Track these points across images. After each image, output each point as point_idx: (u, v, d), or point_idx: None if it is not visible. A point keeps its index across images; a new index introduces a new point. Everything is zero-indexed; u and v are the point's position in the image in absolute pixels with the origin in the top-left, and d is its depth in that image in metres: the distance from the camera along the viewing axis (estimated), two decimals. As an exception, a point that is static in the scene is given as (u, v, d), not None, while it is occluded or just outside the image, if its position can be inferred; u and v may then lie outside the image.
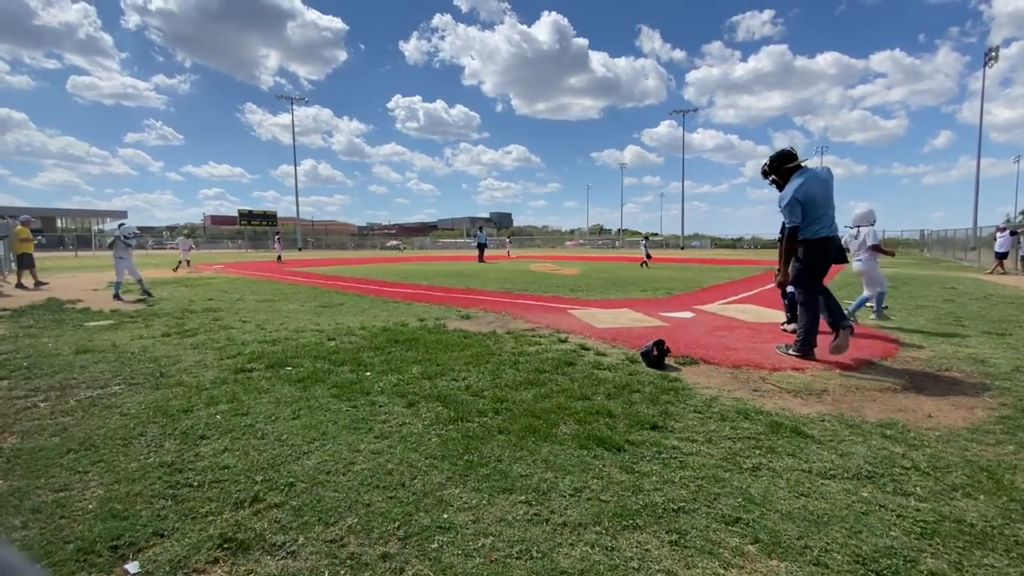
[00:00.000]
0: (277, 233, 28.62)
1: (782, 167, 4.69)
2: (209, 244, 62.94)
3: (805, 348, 4.52)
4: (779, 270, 4.86)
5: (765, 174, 4.83)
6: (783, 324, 6.42)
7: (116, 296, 9.60)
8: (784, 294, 6.45)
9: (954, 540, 1.94)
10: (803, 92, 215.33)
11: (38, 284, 11.97)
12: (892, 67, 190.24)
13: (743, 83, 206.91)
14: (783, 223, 4.71)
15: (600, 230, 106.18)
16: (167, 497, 2.27)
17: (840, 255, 4.69)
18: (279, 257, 25.12)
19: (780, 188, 4.76)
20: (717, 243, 70.17)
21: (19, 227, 12.20)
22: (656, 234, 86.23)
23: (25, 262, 12.06)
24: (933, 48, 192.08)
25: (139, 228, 11.71)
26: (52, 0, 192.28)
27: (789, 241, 4.59)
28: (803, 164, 4.65)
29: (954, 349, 5.10)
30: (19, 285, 11.72)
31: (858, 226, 6.67)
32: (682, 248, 56.21)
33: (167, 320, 7.09)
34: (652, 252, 22.53)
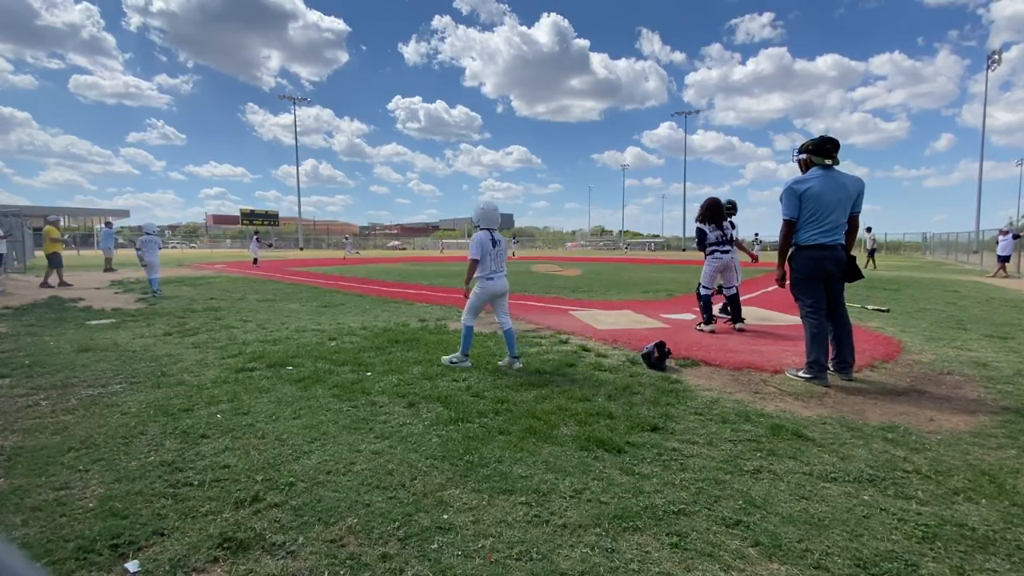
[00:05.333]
0: (256, 234, 27.21)
1: (813, 154, 4.12)
2: (211, 244, 63.21)
3: (813, 371, 4.04)
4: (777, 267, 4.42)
5: (799, 151, 4.31)
6: (697, 325, 6.41)
7: (156, 292, 9.70)
8: (698, 295, 6.40)
9: (956, 544, 1.93)
10: (803, 95, 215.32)
11: (62, 283, 11.83)
12: (892, 70, 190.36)
13: (743, 85, 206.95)
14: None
15: (601, 231, 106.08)
16: (167, 496, 2.27)
17: (850, 272, 4.13)
18: (255, 260, 22.91)
19: (803, 173, 4.27)
20: (719, 245, 69.91)
21: (48, 227, 12.21)
22: (657, 236, 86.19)
23: (55, 262, 11.97)
24: (932, 51, 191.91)
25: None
26: (55, 1, 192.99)
27: (783, 236, 4.20)
28: (831, 164, 4.08)
29: (956, 352, 5.08)
30: (45, 284, 11.72)
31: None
32: (683, 250, 56.16)
33: (168, 319, 7.10)
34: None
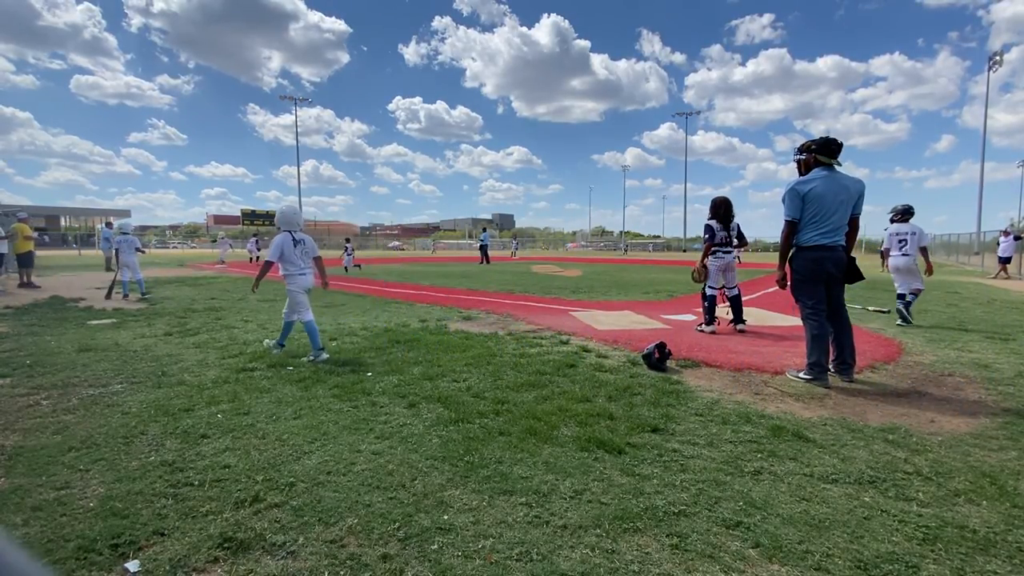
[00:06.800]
0: (255, 235, 25.79)
1: (815, 155, 4.10)
2: (211, 244, 63.33)
3: (813, 372, 4.04)
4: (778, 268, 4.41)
5: (799, 151, 4.28)
6: (698, 326, 6.42)
7: (126, 295, 9.69)
8: (704, 295, 6.43)
9: (956, 546, 1.93)
10: (804, 96, 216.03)
11: (28, 284, 11.56)
12: (892, 71, 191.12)
13: (743, 87, 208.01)
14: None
15: (602, 232, 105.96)
16: (168, 496, 2.27)
17: (851, 273, 4.13)
18: (256, 258, 22.69)
19: (801, 175, 4.26)
20: (719, 246, 69.48)
21: (20, 224, 11.94)
22: (658, 236, 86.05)
23: (26, 261, 11.69)
24: (933, 52, 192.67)
25: (138, 226, 11.55)
26: (57, 2, 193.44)
27: (784, 237, 4.19)
28: (835, 165, 4.08)
29: (957, 354, 5.08)
30: (23, 284, 11.63)
31: None
32: (684, 251, 56.13)
33: (169, 319, 7.11)
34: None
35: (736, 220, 6.53)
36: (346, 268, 17.78)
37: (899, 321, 6.78)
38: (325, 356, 4.82)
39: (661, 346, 4.51)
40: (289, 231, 4.98)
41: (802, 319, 4.25)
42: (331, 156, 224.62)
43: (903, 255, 6.97)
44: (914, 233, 6.94)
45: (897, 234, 7.05)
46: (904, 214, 7.09)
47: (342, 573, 1.77)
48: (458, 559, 1.84)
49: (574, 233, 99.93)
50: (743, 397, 3.72)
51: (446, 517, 2.11)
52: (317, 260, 5.27)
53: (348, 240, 21.28)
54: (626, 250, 61.57)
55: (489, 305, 8.70)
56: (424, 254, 46.87)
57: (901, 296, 6.93)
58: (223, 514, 2.12)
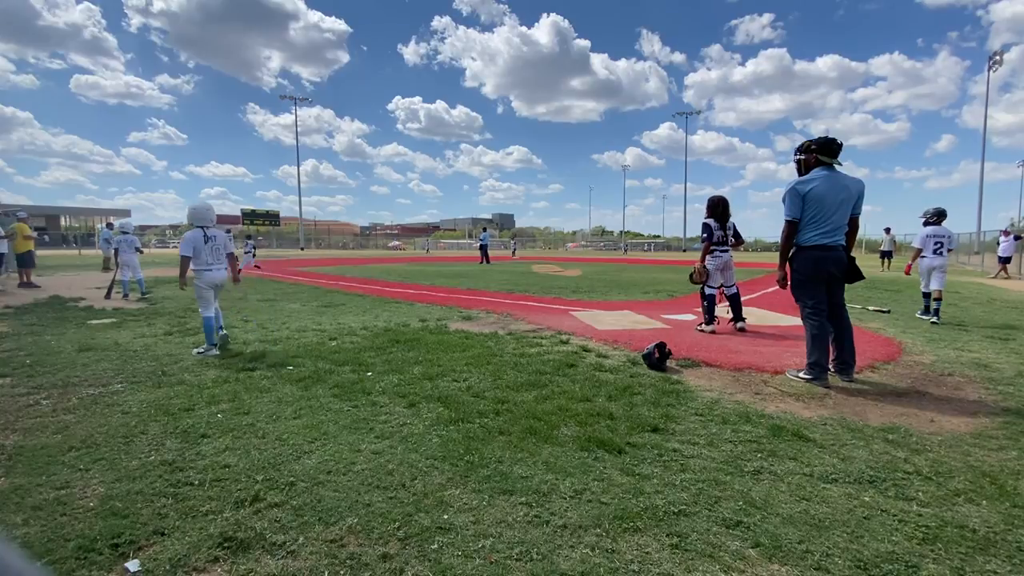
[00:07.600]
0: (248, 237, 24.53)
1: (815, 154, 4.10)
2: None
3: (813, 372, 4.05)
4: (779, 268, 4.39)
5: (799, 151, 4.28)
6: (698, 326, 6.42)
7: (127, 295, 9.68)
8: (703, 295, 6.43)
9: (956, 546, 1.93)
10: (803, 95, 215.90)
11: (29, 283, 11.53)
12: (892, 71, 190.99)
13: (743, 86, 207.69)
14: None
15: (602, 232, 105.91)
16: (168, 496, 2.27)
17: (851, 273, 4.13)
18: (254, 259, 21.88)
19: (800, 174, 4.26)
20: (719, 246, 69.39)
21: (20, 224, 11.88)
22: (658, 236, 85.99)
23: (27, 261, 11.65)
24: (932, 52, 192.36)
25: (139, 226, 11.54)
26: (57, 2, 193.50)
27: (784, 237, 4.19)
28: (835, 165, 4.08)
29: (957, 354, 5.08)
30: (23, 283, 11.61)
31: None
32: (684, 251, 56.13)
33: (169, 319, 7.11)
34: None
35: (732, 220, 6.54)
36: (239, 269, 16.18)
37: (933, 319, 7.08)
38: (215, 353, 4.94)
39: (661, 346, 4.51)
40: (201, 227, 5.07)
41: (802, 319, 4.25)
42: (331, 156, 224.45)
43: (941, 256, 7.31)
44: (949, 236, 7.36)
45: (935, 236, 7.36)
46: (939, 216, 7.41)
47: (342, 573, 1.77)
48: (458, 559, 1.84)
49: (574, 233, 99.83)
50: (743, 397, 3.72)
51: (446, 517, 2.11)
52: (230, 256, 5.40)
53: (249, 237, 18.34)
54: (626, 250, 61.48)
55: (489, 305, 8.70)
56: (422, 254, 46.87)
57: (927, 295, 7.40)
58: (223, 514, 2.13)
